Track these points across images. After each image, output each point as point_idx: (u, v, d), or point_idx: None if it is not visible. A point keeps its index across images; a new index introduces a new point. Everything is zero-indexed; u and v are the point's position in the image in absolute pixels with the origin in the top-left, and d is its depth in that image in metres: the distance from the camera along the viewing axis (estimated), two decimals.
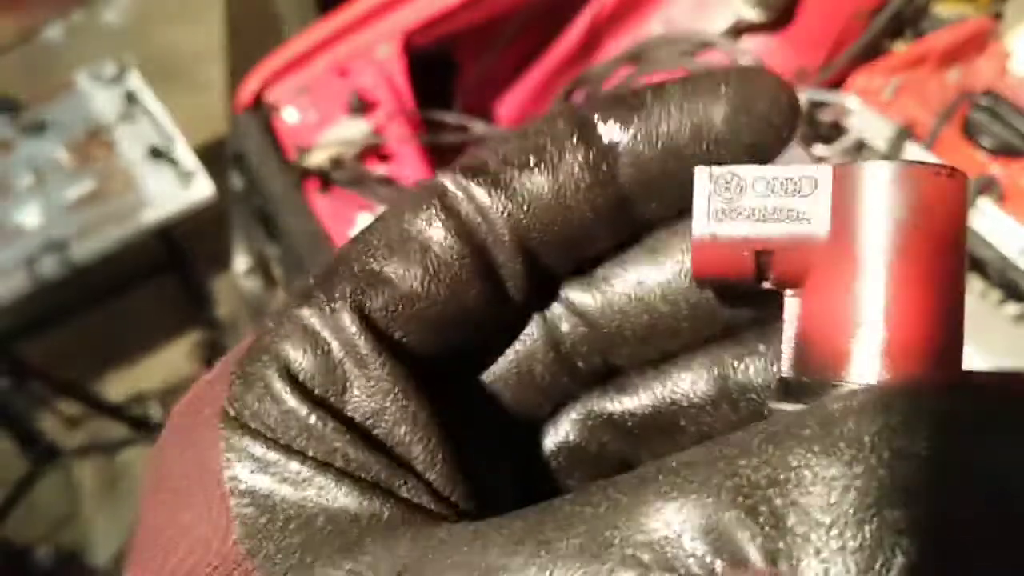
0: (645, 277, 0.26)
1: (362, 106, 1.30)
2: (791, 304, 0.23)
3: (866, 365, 0.20)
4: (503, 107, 1.56)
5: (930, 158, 1.08)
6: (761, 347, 0.25)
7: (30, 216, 1.99)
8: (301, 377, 0.23)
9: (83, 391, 2.05)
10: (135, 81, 2.19)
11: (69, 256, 1.95)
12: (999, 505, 0.16)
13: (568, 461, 0.27)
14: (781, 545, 0.16)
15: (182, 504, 0.22)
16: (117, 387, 2.25)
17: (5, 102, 2.16)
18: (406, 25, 1.36)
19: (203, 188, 2.01)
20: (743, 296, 0.25)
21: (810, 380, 0.22)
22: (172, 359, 2.30)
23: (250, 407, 0.22)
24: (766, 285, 0.23)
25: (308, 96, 1.34)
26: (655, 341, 0.26)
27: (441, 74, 1.51)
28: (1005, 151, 1.08)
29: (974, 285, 1.11)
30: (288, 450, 0.22)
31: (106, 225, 2.00)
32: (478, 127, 1.30)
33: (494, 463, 0.27)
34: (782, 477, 0.16)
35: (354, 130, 1.28)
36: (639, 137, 0.24)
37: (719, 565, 0.16)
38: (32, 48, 2.64)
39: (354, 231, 0.27)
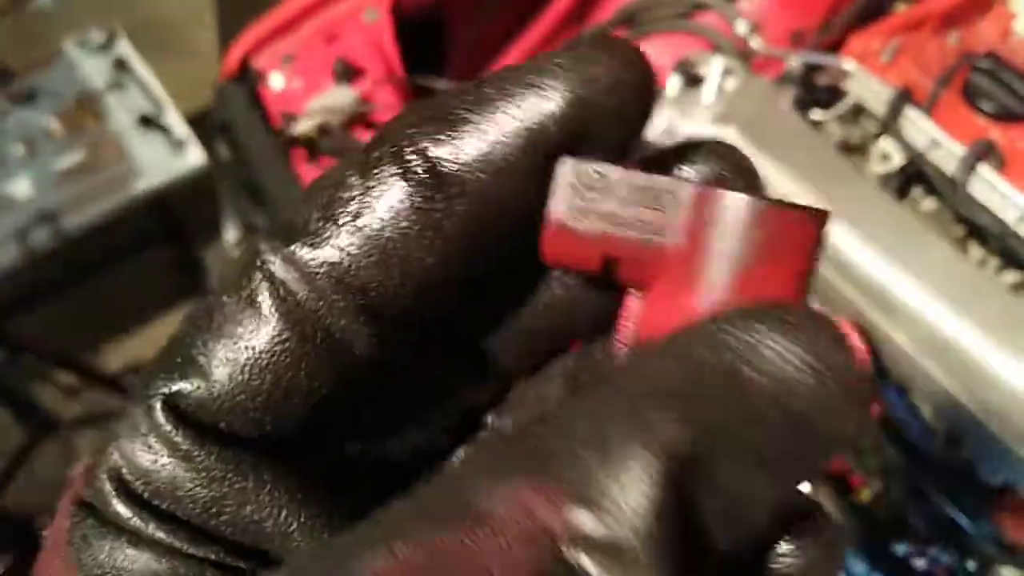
0: None
1: (349, 73, 1.27)
2: (633, 302, 0.23)
3: None
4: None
5: (928, 124, 1.06)
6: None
7: (21, 187, 1.97)
8: (131, 482, 0.22)
9: (79, 363, 2.05)
10: (124, 48, 2.16)
11: (61, 227, 1.93)
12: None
13: None
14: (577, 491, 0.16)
15: None
16: (114, 358, 2.25)
17: None
18: None
19: (195, 156, 1.99)
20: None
21: None
22: (167, 330, 2.26)
23: (93, 497, 0.23)
24: (613, 280, 0.23)
25: (294, 63, 1.31)
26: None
27: (432, 39, 1.48)
28: (1006, 115, 1.05)
29: (973, 253, 1.09)
30: (129, 538, 0.22)
31: (97, 195, 1.98)
32: None
33: None
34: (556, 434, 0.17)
35: (341, 98, 1.25)
36: (471, 153, 0.21)
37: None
38: (22, 16, 2.60)
39: None
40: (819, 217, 0.22)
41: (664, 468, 0.16)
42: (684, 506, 0.16)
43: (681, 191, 0.22)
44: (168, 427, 0.22)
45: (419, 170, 0.21)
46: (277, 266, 0.22)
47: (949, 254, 1.02)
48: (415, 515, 0.17)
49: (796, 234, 0.21)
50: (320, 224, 0.22)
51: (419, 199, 0.21)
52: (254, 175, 1.28)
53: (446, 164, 0.21)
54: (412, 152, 0.22)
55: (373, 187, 0.22)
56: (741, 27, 1.22)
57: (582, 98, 0.21)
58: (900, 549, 1.14)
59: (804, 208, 0.21)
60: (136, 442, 0.22)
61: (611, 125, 0.22)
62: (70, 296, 2.26)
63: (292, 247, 0.22)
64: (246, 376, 0.22)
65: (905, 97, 1.08)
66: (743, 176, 0.24)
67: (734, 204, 0.21)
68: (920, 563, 1.13)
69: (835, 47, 1.22)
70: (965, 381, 0.98)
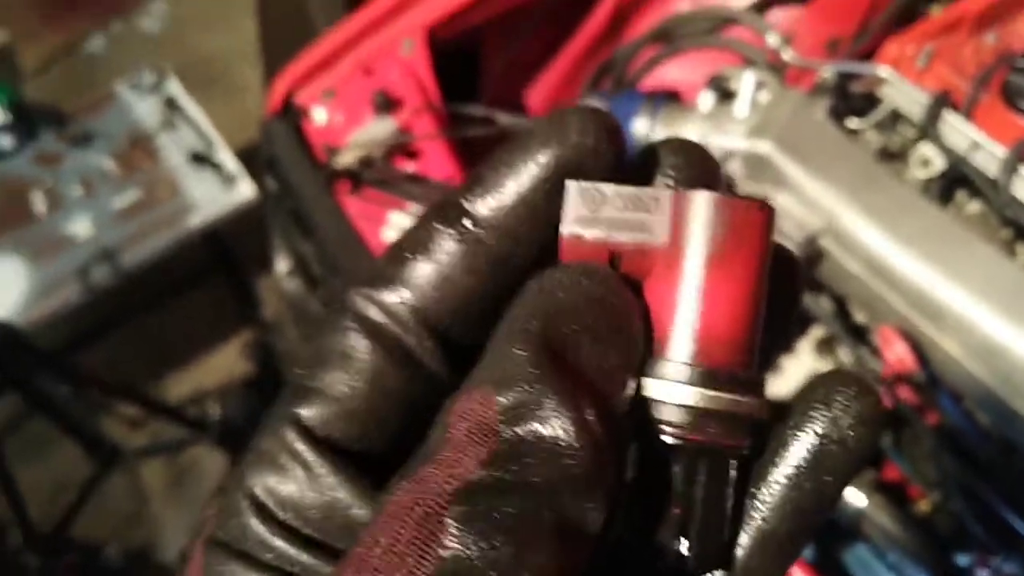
0: None
1: (388, 104, 1.30)
2: (636, 289, 0.29)
3: (681, 347, 0.27)
4: (532, 96, 1.55)
5: (966, 127, 1.04)
6: None
7: (81, 226, 2.04)
8: (262, 497, 0.28)
9: (142, 395, 2.11)
10: (174, 88, 2.23)
11: (120, 264, 2.00)
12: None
13: None
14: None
15: None
16: (175, 389, 2.31)
17: (53, 115, 2.22)
18: (428, 19, 1.35)
19: (245, 190, 2.05)
20: None
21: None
22: (226, 360, 2.34)
23: (225, 532, 0.28)
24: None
25: (335, 97, 1.35)
26: None
27: (467, 66, 1.50)
28: None
29: (1021, 255, 1.07)
30: (254, 564, 0.27)
31: (154, 231, 2.04)
32: (504, 119, 1.29)
33: None
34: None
35: (381, 129, 1.28)
36: (491, 205, 0.29)
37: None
38: (75, 60, 2.70)
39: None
40: (768, 207, 0.27)
41: (532, 340, 0.25)
42: (558, 358, 0.25)
43: (662, 196, 0.28)
44: (295, 443, 0.28)
45: (457, 217, 0.29)
46: (360, 305, 0.29)
47: (995, 257, 1.00)
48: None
49: (750, 218, 0.27)
50: (390, 270, 0.29)
51: (457, 236, 0.29)
52: (301, 207, 1.32)
53: (475, 211, 0.29)
54: (451, 207, 0.30)
55: (425, 235, 0.29)
56: (772, 39, 1.22)
57: (560, 154, 0.29)
58: (963, 560, 1.12)
59: (756, 200, 0.27)
60: (265, 463, 0.28)
61: (589, 165, 0.29)
62: (130, 331, 2.33)
63: (370, 290, 0.29)
64: (352, 388, 0.28)
65: (943, 101, 1.07)
66: (702, 166, 0.30)
67: (700, 199, 0.27)
68: (983, 574, 1.10)
69: (869, 55, 1.22)
70: (1017, 386, 0.96)
